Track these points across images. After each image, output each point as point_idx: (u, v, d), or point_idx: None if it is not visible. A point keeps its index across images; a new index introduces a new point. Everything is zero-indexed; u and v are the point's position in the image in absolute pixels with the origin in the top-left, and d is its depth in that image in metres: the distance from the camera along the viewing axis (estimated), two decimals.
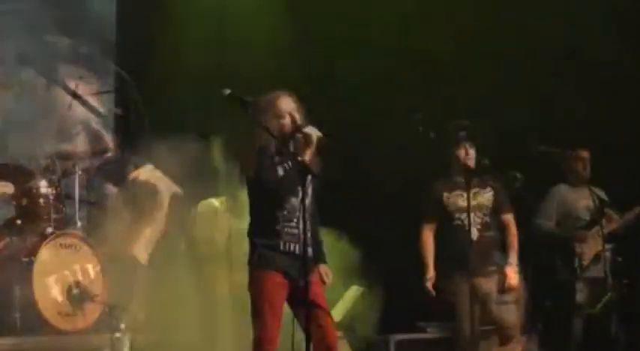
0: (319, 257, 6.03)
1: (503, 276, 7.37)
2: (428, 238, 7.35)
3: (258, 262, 5.81)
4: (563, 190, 8.08)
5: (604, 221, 7.93)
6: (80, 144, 8.33)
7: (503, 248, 7.41)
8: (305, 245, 5.55)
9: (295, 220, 5.78)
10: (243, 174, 5.86)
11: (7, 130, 8.36)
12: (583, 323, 7.94)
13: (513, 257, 7.43)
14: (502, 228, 7.40)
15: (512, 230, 7.50)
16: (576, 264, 7.93)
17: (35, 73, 8.79)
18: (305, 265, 5.52)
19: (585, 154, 8.03)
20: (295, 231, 5.78)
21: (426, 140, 6.62)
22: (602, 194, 8.06)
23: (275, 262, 5.78)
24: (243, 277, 7.53)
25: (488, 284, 7.27)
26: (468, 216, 7.03)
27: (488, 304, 7.29)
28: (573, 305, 7.89)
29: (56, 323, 7.25)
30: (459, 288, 7.18)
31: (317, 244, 6.02)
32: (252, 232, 5.89)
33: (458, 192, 7.28)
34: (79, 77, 8.59)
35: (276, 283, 5.78)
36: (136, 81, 8.63)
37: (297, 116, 5.82)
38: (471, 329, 7.12)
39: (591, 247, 7.94)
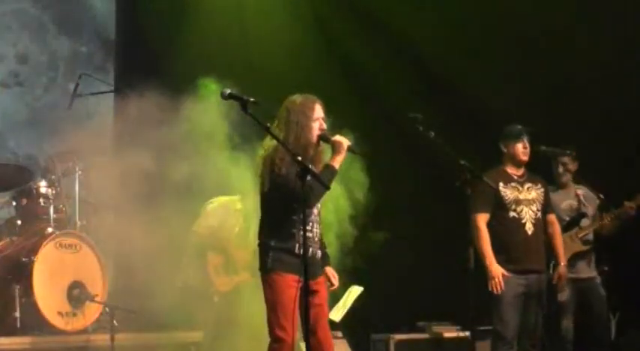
0: (326, 259, 6.09)
1: (558, 276, 7.43)
2: (485, 229, 7.19)
3: (273, 265, 5.80)
4: None
5: (589, 221, 7.95)
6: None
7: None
8: (305, 246, 5.53)
9: (310, 223, 5.81)
10: (270, 175, 5.82)
11: (7, 130, 8.37)
12: (572, 323, 7.91)
13: (564, 258, 7.49)
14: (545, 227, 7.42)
15: (559, 230, 7.53)
16: (552, 264, 7.90)
17: (35, 73, 8.80)
18: (306, 266, 5.51)
19: (569, 159, 8.03)
20: (309, 234, 5.78)
21: (427, 139, 6.60)
22: (588, 192, 8.07)
23: (291, 265, 5.79)
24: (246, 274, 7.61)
25: (538, 282, 7.23)
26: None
27: (534, 303, 7.21)
28: (557, 305, 7.87)
29: (56, 323, 7.25)
30: (508, 283, 7.11)
31: (323, 247, 6.08)
32: (266, 234, 5.88)
33: (513, 184, 7.29)
34: (79, 77, 8.59)
35: (292, 287, 5.78)
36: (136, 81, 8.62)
37: (324, 124, 5.90)
38: (515, 328, 7.10)
39: (569, 247, 7.90)
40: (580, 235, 7.90)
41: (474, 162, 6.66)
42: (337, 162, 5.77)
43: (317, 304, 5.83)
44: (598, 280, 7.95)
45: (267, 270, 5.81)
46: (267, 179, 5.81)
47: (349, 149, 5.81)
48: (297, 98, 5.94)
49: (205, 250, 7.86)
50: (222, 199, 7.94)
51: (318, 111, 5.90)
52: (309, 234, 5.76)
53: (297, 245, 5.79)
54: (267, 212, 5.90)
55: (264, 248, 5.85)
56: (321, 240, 6.02)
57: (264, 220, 5.91)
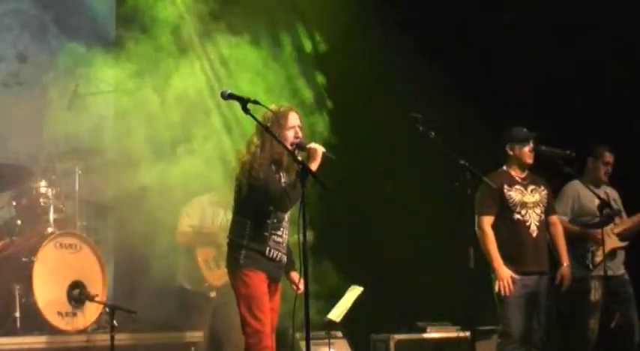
0: (291, 265, 6.26)
1: (560, 277, 7.41)
2: (491, 231, 7.19)
3: (246, 262, 5.97)
4: (577, 187, 8.05)
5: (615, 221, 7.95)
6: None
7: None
8: (305, 249, 5.57)
9: (281, 229, 6.06)
10: (248, 179, 5.93)
11: (7, 130, 8.36)
12: (598, 324, 7.89)
13: (567, 258, 7.47)
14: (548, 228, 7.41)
15: (561, 231, 7.53)
16: (588, 260, 7.91)
17: (35, 73, 8.78)
18: (306, 266, 5.55)
19: (610, 158, 8.05)
20: (280, 239, 6.06)
21: (427, 140, 6.60)
22: (615, 194, 8.08)
23: (262, 264, 6.00)
24: None
25: (541, 283, 7.24)
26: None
27: (538, 304, 7.22)
28: (588, 304, 7.87)
29: (56, 323, 7.25)
30: (514, 286, 7.10)
31: (289, 253, 6.25)
32: (238, 235, 6.03)
33: (517, 187, 7.30)
34: (79, 76, 8.59)
35: (264, 281, 6.00)
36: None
37: (300, 132, 6.07)
38: (521, 327, 7.10)
39: (606, 243, 7.88)
40: (616, 231, 7.89)
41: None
42: (313, 168, 5.87)
43: (271, 308, 6.04)
44: (627, 276, 7.94)
45: (239, 266, 5.99)
46: (244, 183, 5.99)
47: (324, 156, 5.96)
48: (273, 107, 6.08)
49: (193, 248, 7.93)
50: (198, 197, 8.07)
51: (293, 119, 6.09)
52: (278, 239, 6.05)
53: (267, 248, 5.99)
54: (241, 214, 6.07)
55: (235, 246, 6.03)
56: (288, 246, 6.18)
57: (238, 221, 6.08)
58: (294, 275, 6.24)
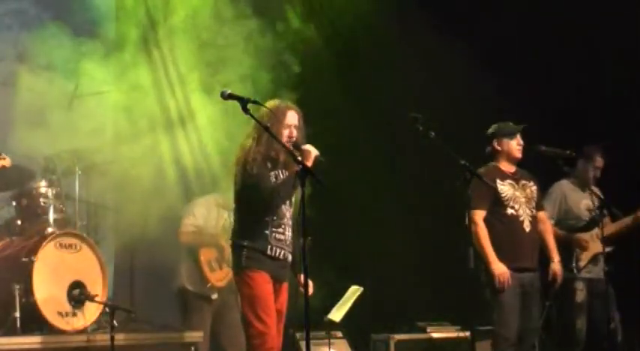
0: (297, 266, 6.14)
1: (553, 274, 7.37)
2: (483, 225, 7.11)
3: (248, 263, 5.94)
4: (565, 187, 8.04)
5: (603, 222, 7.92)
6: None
7: None
8: (304, 250, 5.58)
9: (283, 226, 6.01)
10: (242, 175, 5.92)
11: (7, 130, 8.36)
12: (586, 323, 7.90)
13: (557, 254, 7.43)
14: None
15: (550, 227, 7.51)
16: (573, 264, 7.90)
17: (35, 73, 8.78)
18: (305, 266, 5.55)
19: (601, 162, 8.04)
20: (282, 237, 6.00)
21: (427, 139, 6.61)
22: (600, 193, 8.07)
23: (265, 264, 5.95)
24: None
25: (533, 280, 7.20)
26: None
27: (532, 302, 7.19)
28: (574, 305, 7.87)
29: (56, 323, 7.25)
30: (510, 283, 7.05)
31: (294, 252, 6.16)
32: (240, 235, 6.02)
33: (509, 181, 7.27)
34: (79, 76, 8.59)
35: (268, 282, 5.96)
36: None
37: (296, 132, 6.01)
38: (516, 327, 7.06)
39: (590, 247, 7.90)
40: (603, 236, 7.87)
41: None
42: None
43: (277, 309, 5.98)
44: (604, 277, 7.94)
45: (241, 267, 5.95)
46: (239, 179, 5.96)
47: (316, 159, 5.91)
48: (274, 103, 6.06)
49: (196, 248, 7.92)
50: (202, 198, 8.06)
51: (291, 118, 6.03)
52: (280, 236, 5.99)
53: (269, 247, 5.94)
54: (240, 212, 6.05)
55: (237, 248, 6.00)
56: (293, 244, 6.10)
57: (238, 221, 6.08)
58: (301, 277, 6.10)
